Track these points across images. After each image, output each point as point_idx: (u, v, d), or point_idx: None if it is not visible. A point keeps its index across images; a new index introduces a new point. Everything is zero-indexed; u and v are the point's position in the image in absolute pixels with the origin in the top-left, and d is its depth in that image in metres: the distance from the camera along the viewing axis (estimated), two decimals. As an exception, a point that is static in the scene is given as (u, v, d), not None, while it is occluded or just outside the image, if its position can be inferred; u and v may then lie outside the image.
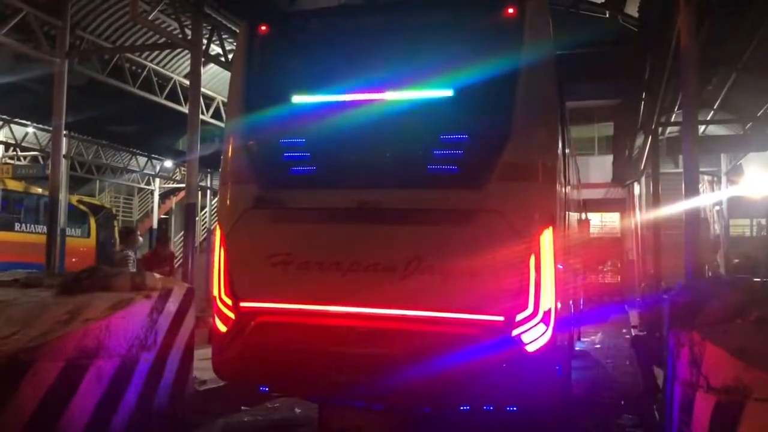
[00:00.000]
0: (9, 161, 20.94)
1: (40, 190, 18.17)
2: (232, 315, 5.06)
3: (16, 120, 19.92)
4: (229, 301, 5.08)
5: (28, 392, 4.74)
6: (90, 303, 5.46)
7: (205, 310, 6.54)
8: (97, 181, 26.98)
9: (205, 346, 6.26)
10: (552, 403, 4.82)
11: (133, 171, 25.75)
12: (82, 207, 21.01)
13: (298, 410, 6.48)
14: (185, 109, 13.86)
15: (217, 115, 17.68)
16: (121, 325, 5.36)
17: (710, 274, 11.59)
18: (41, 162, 20.83)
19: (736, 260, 14.01)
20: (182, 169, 24.26)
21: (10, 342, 4.89)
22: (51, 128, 11.72)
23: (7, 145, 21.04)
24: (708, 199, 19.22)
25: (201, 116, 11.42)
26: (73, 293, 5.74)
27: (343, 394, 4.86)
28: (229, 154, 5.42)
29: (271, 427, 6.17)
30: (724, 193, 18.96)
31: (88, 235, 20.69)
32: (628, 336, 11.08)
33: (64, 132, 12.98)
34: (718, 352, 3.82)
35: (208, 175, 26.75)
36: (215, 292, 5.16)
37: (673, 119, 13.98)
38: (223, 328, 5.10)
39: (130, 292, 5.79)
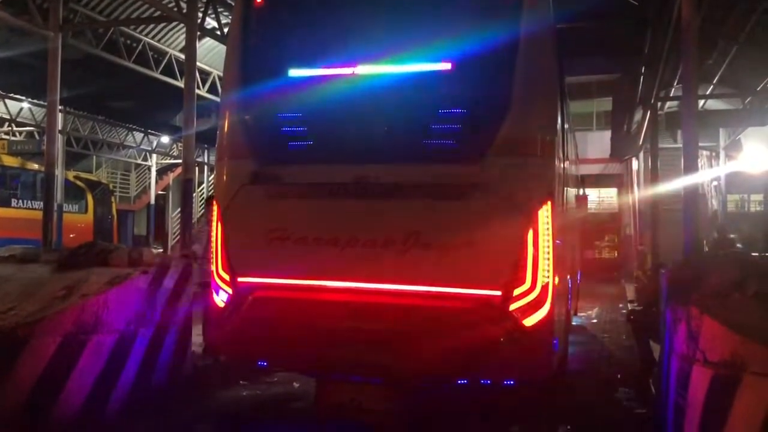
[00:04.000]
0: (4, 137, 20.85)
1: (36, 166, 18.10)
2: (229, 290, 5.05)
3: (11, 95, 19.78)
4: (226, 276, 5.07)
5: (27, 367, 4.76)
6: (88, 278, 5.46)
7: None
8: (94, 157, 26.89)
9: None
10: (548, 378, 4.84)
11: (130, 147, 25.68)
12: (79, 183, 20.95)
13: (296, 384, 6.52)
14: (181, 84, 13.75)
15: (213, 89, 17.58)
16: (119, 300, 5.37)
17: (707, 249, 11.59)
18: (37, 137, 20.73)
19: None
20: (179, 144, 24.17)
21: (7, 317, 4.90)
22: (46, 103, 11.63)
23: (1, 121, 20.93)
24: (707, 174, 19.21)
25: (197, 91, 11.32)
26: (70, 269, 5.74)
27: (340, 368, 4.87)
28: (225, 129, 5.38)
29: (269, 402, 6.21)
30: (723, 168, 18.94)
31: (86, 211, 20.66)
32: (624, 311, 11.13)
33: (60, 107, 12.88)
34: (716, 326, 3.83)
35: (205, 151, 26.68)
36: (212, 267, 5.15)
37: (672, 94, 13.91)
38: (220, 303, 5.10)
39: (127, 267, 5.79)
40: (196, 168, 22.93)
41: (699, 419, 3.88)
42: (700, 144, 13.46)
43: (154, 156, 27.32)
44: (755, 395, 3.52)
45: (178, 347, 6.17)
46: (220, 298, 5.10)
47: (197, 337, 6.82)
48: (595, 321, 11.59)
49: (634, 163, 19.78)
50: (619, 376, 7.10)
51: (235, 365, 6.56)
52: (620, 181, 21.29)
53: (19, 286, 5.43)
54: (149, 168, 27.93)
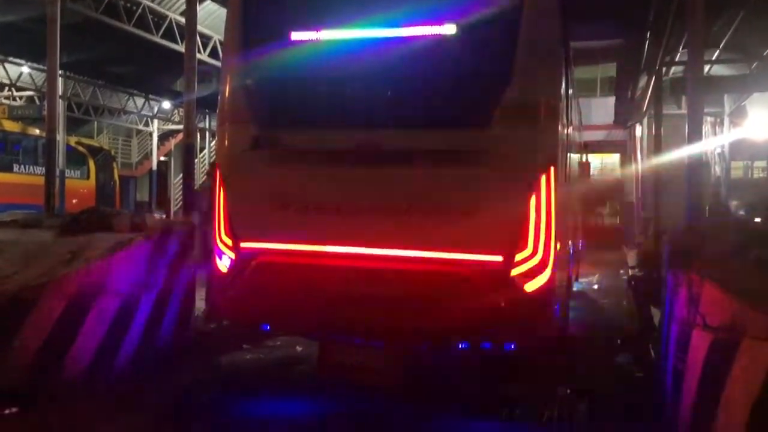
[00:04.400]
0: (5, 101, 20.74)
1: (37, 131, 18.05)
2: (232, 255, 5.08)
3: (10, 59, 19.62)
4: (229, 242, 5.09)
5: (33, 330, 4.81)
6: (90, 243, 5.48)
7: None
8: (95, 123, 26.79)
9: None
10: (549, 342, 4.89)
11: (131, 112, 25.55)
12: (80, 149, 20.91)
13: (299, 348, 6.58)
14: (182, 48, 13.61)
15: (214, 54, 17.41)
16: (122, 265, 5.40)
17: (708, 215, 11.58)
18: (37, 102, 20.62)
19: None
20: (180, 110, 24.04)
21: (12, 281, 4.94)
22: (46, 68, 11.53)
23: (1, 86, 20.79)
24: (711, 142, 19.09)
25: (198, 55, 11.20)
26: (73, 234, 5.76)
27: (343, 331, 4.93)
28: (226, 93, 5.34)
29: (272, 365, 6.28)
30: (728, 136, 18.81)
31: (88, 177, 20.66)
32: (625, 277, 11.17)
33: (60, 72, 12.78)
34: (716, 291, 3.85)
35: (207, 117, 26.55)
36: (215, 232, 5.17)
37: (677, 59, 13.75)
38: (223, 268, 5.13)
39: (130, 232, 5.81)
40: (198, 134, 22.84)
41: (697, 383, 3.92)
42: (705, 110, 13.32)
43: (156, 121, 27.20)
44: (754, 359, 3.55)
45: (182, 311, 6.22)
46: (223, 263, 5.13)
47: (200, 301, 6.89)
48: (596, 287, 11.65)
49: (638, 130, 19.65)
50: (619, 340, 7.15)
51: (238, 329, 6.61)
52: (623, 148, 21.19)
53: (23, 251, 5.46)
54: (151, 134, 27.83)
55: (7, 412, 4.58)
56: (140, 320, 5.60)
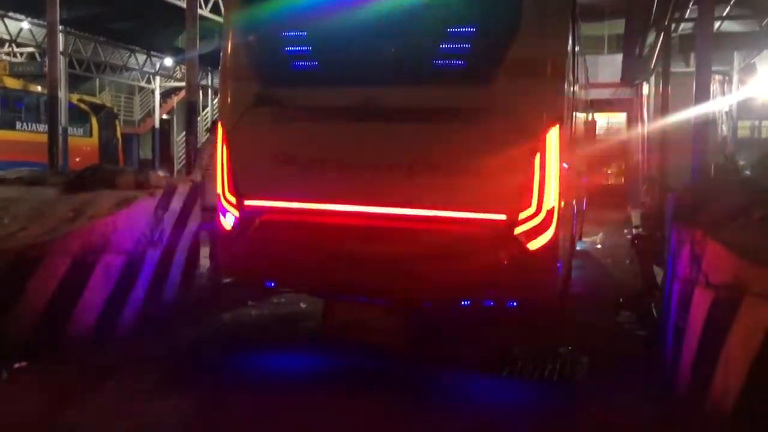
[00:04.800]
0: (5, 58, 20.55)
1: (39, 89, 17.93)
2: (236, 213, 5.08)
3: (10, 14, 19.38)
4: (232, 199, 5.09)
5: (40, 286, 4.86)
6: (95, 201, 5.50)
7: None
8: (97, 80, 26.59)
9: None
10: (551, 300, 4.92)
11: (133, 69, 25.32)
12: (82, 106, 20.79)
13: (303, 305, 6.64)
14: (183, 4, 13.42)
15: (216, 9, 17.14)
16: (127, 222, 5.42)
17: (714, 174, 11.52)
18: (38, 59, 20.43)
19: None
20: (182, 67, 23.80)
21: (17, 238, 4.97)
22: (46, 23, 11.38)
23: (2, 42, 20.58)
24: (719, 101, 18.86)
25: (200, 11, 11.05)
26: (77, 191, 5.77)
27: (347, 289, 4.96)
28: (229, 49, 5.28)
29: (276, 321, 6.35)
30: (736, 95, 18.58)
31: (90, 135, 20.59)
32: (629, 236, 11.18)
33: (60, 28, 12.61)
34: (719, 249, 3.85)
35: (209, 74, 26.32)
36: (219, 190, 5.17)
37: (687, 15, 13.50)
38: (227, 225, 5.14)
39: (134, 190, 5.82)
40: (200, 91, 22.66)
41: (697, 340, 3.96)
42: (713, 68, 13.13)
43: (158, 79, 26.98)
44: (755, 317, 3.57)
45: (186, 268, 6.27)
46: (227, 221, 5.14)
47: (205, 259, 6.93)
48: (599, 246, 11.68)
49: (645, 88, 19.42)
50: (621, 299, 7.19)
51: (243, 286, 6.67)
52: (630, 107, 20.98)
53: (28, 208, 5.48)
54: (153, 91, 27.62)
55: (16, 366, 4.65)
56: (145, 277, 5.65)
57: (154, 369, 4.83)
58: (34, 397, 4.24)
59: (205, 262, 7.16)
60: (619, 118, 21.90)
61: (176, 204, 6.01)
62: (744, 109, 19.48)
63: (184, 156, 15.06)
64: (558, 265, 4.74)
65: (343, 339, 5.10)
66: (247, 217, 5.04)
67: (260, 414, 4.09)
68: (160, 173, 6.39)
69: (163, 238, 5.82)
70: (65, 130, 17.28)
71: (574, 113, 6.01)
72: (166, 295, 5.94)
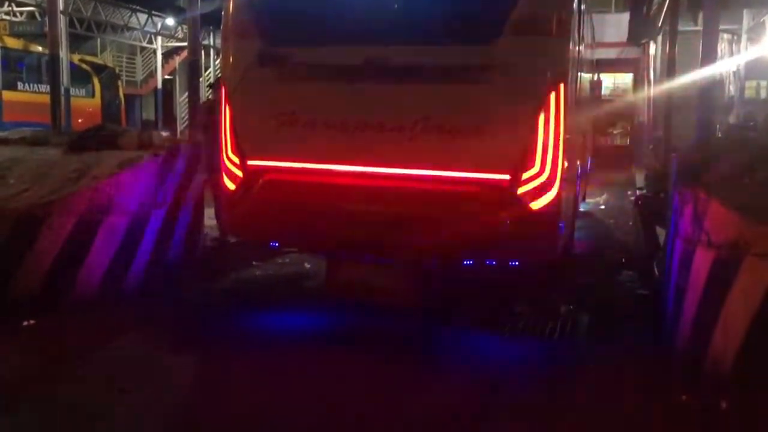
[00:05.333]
0: (5, 17, 20.32)
1: (40, 49, 17.76)
2: (239, 173, 5.09)
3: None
4: (236, 159, 5.09)
5: (45, 246, 4.91)
6: (98, 161, 5.51)
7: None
8: (98, 40, 26.30)
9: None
10: (553, 260, 4.95)
11: (134, 29, 25.01)
12: (84, 66, 20.61)
13: (307, 265, 6.69)
14: (184, -39, 13.20)
15: (217, -32, 16.88)
16: (131, 182, 5.43)
17: (720, 135, 11.45)
18: (38, 18, 20.20)
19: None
20: (184, 27, 23.53)
21: (23, 198, 5.00)
22: (45, -18, 11.26)
23: (1, 1, 20.32)
24: (727, 61, 18.61)
25: (200, -31, 10.87)
26: (80, 151, 5.77)
27: (350, 249, 4.98)
28: (231, 8, 5.21)
29: (281, 281, 6.40)
30: (745, 55, 18.32)
31: (93, 95, 20.46)
32: (633, 197, 11.17)
33: (60, -14, 12.48)
34: (722, 208, 3.85)
35: (211, 33, 26.02)
36: (222, 151, 5.16)
37: (696, -28, 13.25)
38: (231, 186, 5.15)
39: (137, 150, 5.82)
40: (202, 51, 22.43)
41: (698, 299, 3.99)
42: (722, 26, 12.91)
43: (159, 39, 26.68)
44: (755, 276, 3.60)
45: (191, 229, 6.29)
46: (231, 181, 5.15)
47: (209, 219, 6.96)
48: (603, 207, 11.68)
49: (652, 48, 19.18)
50: (623, 259, 7.23)
51: (248, 246, 6.71)
52: (636, 67, 20.73)
53: (32, 168, 5.49)
54: (155, 51, 27.35)
55: (25, 324, 4.72)
56: (150, 237, 5.68)
57: (160, 328, 4.90)
58: (42, 353, 4.31)
59: (209, 222, 7.19)
60: (626, 78, 21.66)
61: (179, 164, 6.01)
62: (752, 69, 19.23)
63: (187, 117, 15.00)
64: (560, 225, 4.75)
65: (347, 298, 5.15)
66: (250, 177, 5.05)
67: (265, 371, 4.16)
68: (163, 134, 6.36)
69: (166, 198, 5.83)
70: (67, 91, 17.18)
71: (579, 73, 5.95)
72: (170, 255, 5.98)
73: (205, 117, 7.35)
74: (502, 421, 3.53)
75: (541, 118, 4.41)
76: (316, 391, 3.86)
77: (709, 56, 6.29)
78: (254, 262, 6.82)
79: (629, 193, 12.67)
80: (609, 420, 3.49)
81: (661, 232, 6.35)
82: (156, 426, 3.41)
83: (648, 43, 19.32)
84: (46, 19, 11.39)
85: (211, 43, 26.67)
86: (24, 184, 5.20)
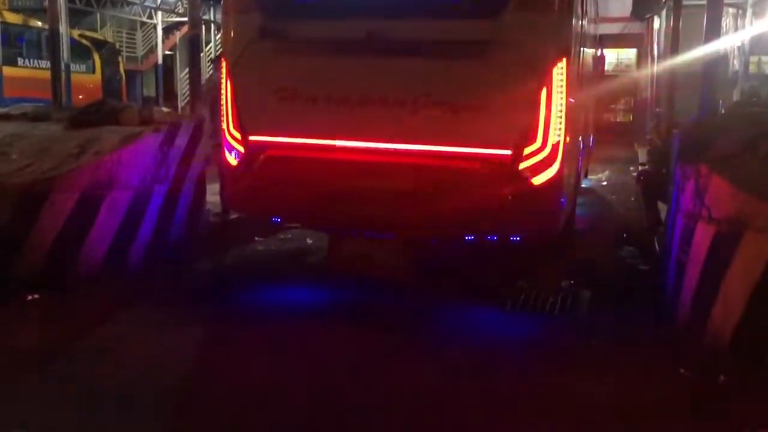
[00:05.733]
0: (4, -8, 20.16)
1: (39, 24, 17.64)
2: (241, 148, 5.09)
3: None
4: (237, 135, 5.08)
5: (48, 221, 4.93)
6: (100, 137, 5.50)
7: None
8: (98, 15, 26.10)
9: (217, 180, 6.39)
10: (554, 235, 4.96)
11: (134, 3, 24.83)
12: (84, 42, 20.47)
13: (309, 241, 6.71)
14: (183, -65, 13.06)
15: (217, -59, 16.70)
16: (133, 158, 5.44)
17: (723, 111, 11.38)
18: (37, -7, 20.03)
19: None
20: (184, 1, 23.33)
21: (25, 174, 5.01)
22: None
23: (0, -25, 20.14)
24: (732, 36, 18.43)
25: (200, -58, 10.75)
26: (81, 127, 5.77)
27: (352, 224, 5.00)
28: (231, -20, 5.18)
29: (283, 256, 6.43)
30: (750, 29, 18.14)
31: (93, 71, 20.35)
32: (635, 173, 11.16)
33: (58, -40, 12.31)
34: (723, 184, 3.86)
35: (211, 8, 25.80)
36: (223, 126, 5.16)
37: (702, -56, 13.08)
38: (233, 161, 5.15)
39: (138, 126, 5.81)
40: (203, 26, 22.24)
41: (699, 273, 4.01)
42: (726, 0, 12.76)
43: (159, 13, 26.46)
44: (755, 250, 3.62)
45: (193, 204, 6.31)
46: (233, 157, 5.15)
47: (212, 195, 6.97)
48: (605, 183, 11.67)
49: (656, 22, 18.99)
50: (625, 235, 7.24)
51: (250, 222, 6.73)
52: (640, 42, 20.56)
53: (34, 144, 5.49)
54: (155, 26, 27.15)
55: (29, 299, 4.76)
56: (152, 213, 5.70)
57: (163, 302, 4.93)
58: (46, 327, 4.35)
59: (212, 198, 7.20)
60: (630, 54, 21.50)
61: (181, 140, 6.01)
62: (757, 44, 19.06)
63: (188, 92, 14.92)
64: (562, 200, 4.76)
65: (349, 273, 5.17)
66: (252, 152, 5.04)
67: (267, 345, 4.20)
68: (164, 109, 6.35)
69: (168, 173, 5.84)
70: (68, 66, 17.10)
71: (582, 48, 5.91)
72: (173, 230, 6.00)
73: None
74: (502, 392, 3.56)
75: (543, 93, 4.40)
76: (316, 363, 3.90)
77: (713, 31, 6.23)
78: (256, 238, 6.84)
79: (632, 169, 12.66)
80: (608, 392, 3.53)
81: (662, 208, 6.36)
82: (156, 400, 3.44)
83: (652, 18, 19.13)
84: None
85: (212, 17, 26.44)
86: (26, 159, 5.20)
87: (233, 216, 6.93)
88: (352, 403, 3.41)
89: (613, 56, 19.07)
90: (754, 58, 19.75)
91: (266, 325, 4.54)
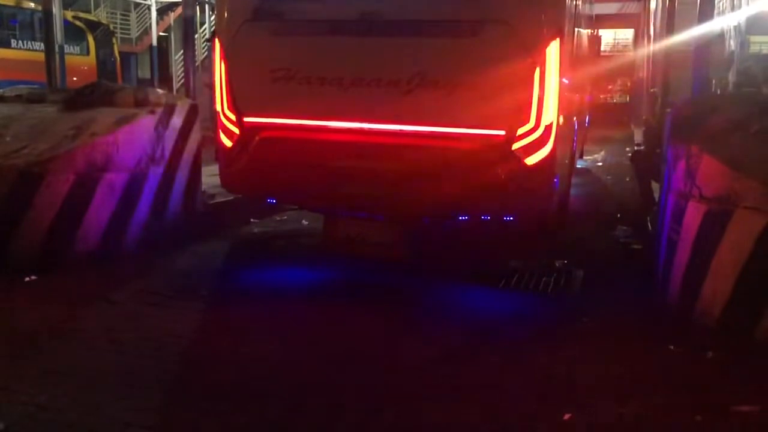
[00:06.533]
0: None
1: (32, 5, 17.51)
2: (236, 130, 5.09)
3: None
4: (232, 116, 5.09)
5: (45, 203, 4.95)
6: (95, 118, 5.51)
7: (210, 128, 6.56)
8: (91, -5, 25.91)
9: (214, 162, 6.40)
10: (548, 214, 5.00)
11: (127, -16, 24.62)
12: (78, 23, 20.33)
13: (305, 222, 6.75)
14: None
15: None
16: (128, 139, 5.45)
17: (719, 91, 11.41)
18: (29, -27, 19.84)
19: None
20: (178, -19, 23.13)
21: (21, 155, 5.03)
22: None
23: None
24: (727, 16, 18.36)
25: None
26: (77, 109, 5.77)
27: (346, 205, 5.03)
28: (225, -40, 5.15)
29: (279, 237, 6.46)
30: (746, 9, 18.07)
31: (87, 53, 20.25)
32: (630, 154, 11.19)
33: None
34: (714, 163, 3.90)
35: (207, -11, 25.58)
36: (218, 107, 5.17)
37: None
38: (228, 142, 5.16)
39: (133, 107, 5.81)
40: (197, 7, 22.08)
41: (689, 252, 4.06)
42: (724, -21, 12.68)
43: (153, -6, 26.26)
44: (745, 228, 3.67)
45: (189, 185, 6.33)
46: (228, 138, 5.16)
47: (208, 177, 6.99)
48: (600, 164, 11.71)
49: (652, 2, 18.92)
50: (618, 215, 7.29)
51: (246, 203, 6.75)
52: (637, 22, 20.50)
53: (29, 126, 5.50)
54: (149, 7, 26.94)
55: (27, 279, 4.80)
56: (148, 194, 5.72)
57: (160, 283, 4.97)
58: (44, 308, 4.38)
59: (208, 180, 7.21)
60: (627, 34, 21.47)
61: (176, 121, 6.02)
62: (754, 23, 18.99)
63: (183, 74, 14.86)
64: (555, 180, 4.79)
65: (344, 253, 5.21)
66: (247, 134, 5.05)
67: (263, 324, 4.25)
68: (159, 91, 6.34)
69: (164, 155, 5.85)
70: (62, 48, 16.98)
71: (576, 28, 5.91)
72: (169, 211, 6.03)
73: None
74: (493, 370, 3.61)
75: (537, 73, 4.41)
76: (313, 341, 3.95)
77: (706, 11, 6.24)
78: (252, 219, 6.87)
79: (627, 149, 12.68)
80: (599, 369, 3.58)
81: (656, 188, 6.40)
82: (153, 377, 3.49)
83: (649, -3, 19.06)
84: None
85: (206, -2, 26.24)
86: (21, 141, 5.21)
87: (230, 197, 6.95)
88: (348, 381, 3.46)
89: (610, 36, 19.03)
90: (755, 38, 19.67)
91: (262, 304, 4.57)
